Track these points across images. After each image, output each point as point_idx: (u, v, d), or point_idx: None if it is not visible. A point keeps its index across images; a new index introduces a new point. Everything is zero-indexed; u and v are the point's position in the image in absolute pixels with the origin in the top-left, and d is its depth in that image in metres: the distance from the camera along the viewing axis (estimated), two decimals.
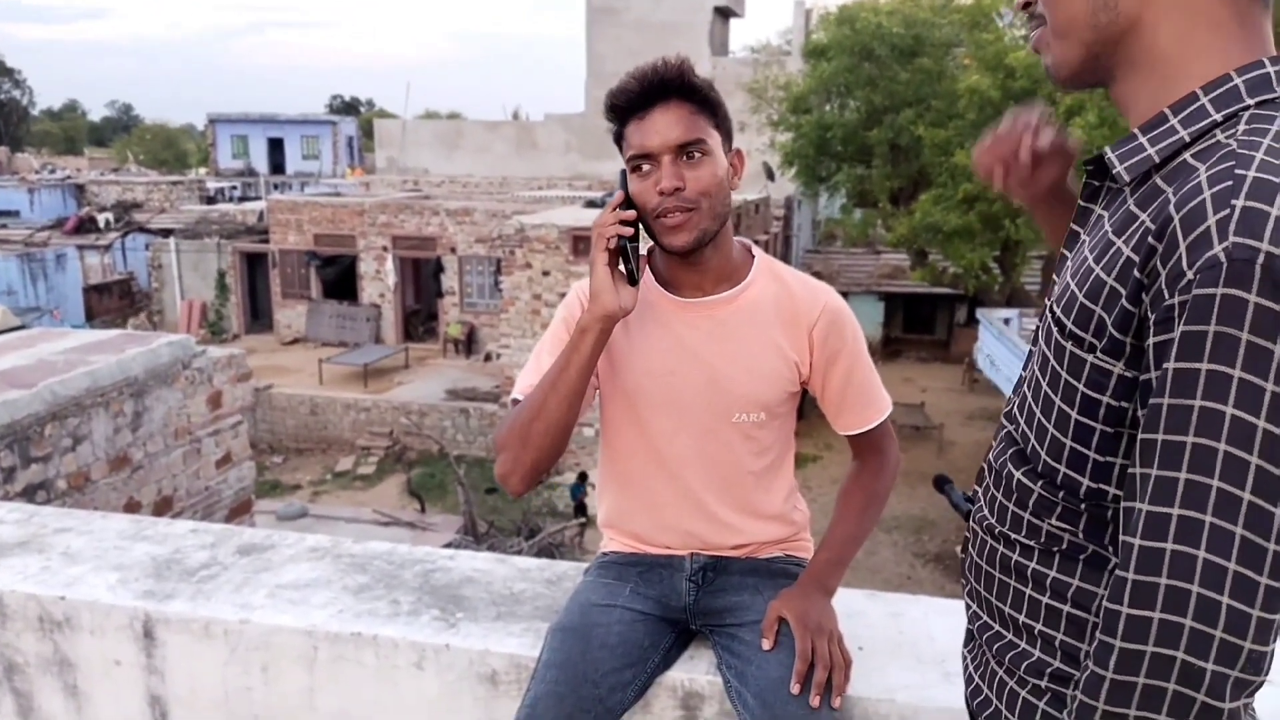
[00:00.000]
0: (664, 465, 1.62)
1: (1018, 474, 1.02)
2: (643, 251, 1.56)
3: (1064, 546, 0.98)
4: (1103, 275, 0.90)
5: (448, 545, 10.31)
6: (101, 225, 28.81)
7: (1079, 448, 0.94)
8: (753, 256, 1.65)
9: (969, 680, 1.14)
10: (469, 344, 21.87)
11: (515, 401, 1.57)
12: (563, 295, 1.69)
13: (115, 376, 4.07)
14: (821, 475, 15.10)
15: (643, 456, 1.63)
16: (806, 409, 1.75)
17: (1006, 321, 14.40)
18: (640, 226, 1.51)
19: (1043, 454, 0.98)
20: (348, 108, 74.11)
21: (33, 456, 3.65)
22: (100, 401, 3.98)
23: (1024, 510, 1.01)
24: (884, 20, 17.27)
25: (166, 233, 25.96)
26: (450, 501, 14.87)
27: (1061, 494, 0.97)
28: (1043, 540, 1.00)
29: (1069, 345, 0.93)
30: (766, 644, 1.48)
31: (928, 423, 18.42)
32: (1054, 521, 0.98)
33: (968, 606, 1.15)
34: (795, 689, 1.41)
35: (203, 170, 46.32)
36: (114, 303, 25.72)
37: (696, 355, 1.58)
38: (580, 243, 16.15)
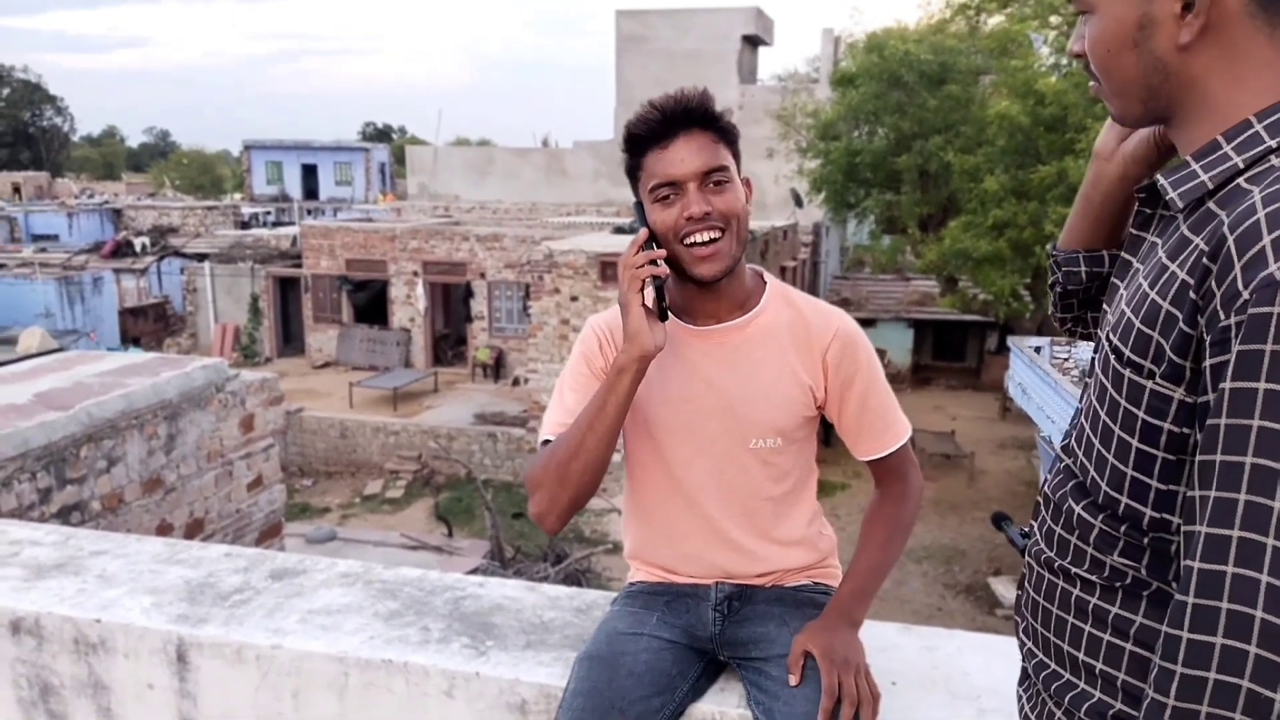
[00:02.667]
0: (683, 494, 1.62)
1: (1078, 508, 1.01)
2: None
3: (1127, 582, 0.96)
4: (1159, 300, 0.90)
5: (475, 570, 10.32)
6: (138, 249, 29.28)
7: (1141, 477, 0.93)
8: (765, 283, 1.65)
9: None
10: (497, 368, 21.96)
11: (546, 442, 1.57)
12: None
13: (150, 399, 4.12)
14: (850, 504, 14.98)
15: (663, 486, 1.63)
16: (834, 437, 1.73)
17: (1038, 349, 14.23)
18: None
19: (1103, 485, 0.97)
20: (380, 134, 75.05)
21: (68, 478, 3.70)
22: (135, 424, 4.03)
23: (1086, 545, 1.00)
24: (912, 48, 17.30)
25: (201, 257, 26.34)
26: (477, 526, 14.88)
27: (1124, 527, 0.96)
28: (1105, 576, 0.98)
29: (1128, 373, 0.93)
30: (793, 679, 1.46)
31: (958, 451, 18.25)
32: (1117, 557, 0.97)
33: (1022, 644, 1.13)
34: None
35: (238, 196, 47.03)
36: (149, 326, 26.07)
37: (711, 382, 1.58)
38: (609, 268, 16.21)
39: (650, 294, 1.50)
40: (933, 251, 17.13)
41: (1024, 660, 1.13)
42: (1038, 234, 15.27)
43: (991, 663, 1.73)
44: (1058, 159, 14.94)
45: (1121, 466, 0.95)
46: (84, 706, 1.97)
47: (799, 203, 23.38)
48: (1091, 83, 1.05)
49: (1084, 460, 1.01)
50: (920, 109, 17.27)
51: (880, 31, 19.19)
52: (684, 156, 1.49)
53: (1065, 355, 13.98)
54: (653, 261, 1.47)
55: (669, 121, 1.50)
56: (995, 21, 18.20)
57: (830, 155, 18.99)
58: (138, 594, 2.03)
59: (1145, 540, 0.95)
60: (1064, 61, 16.23)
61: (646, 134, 1.52)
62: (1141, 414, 0.92)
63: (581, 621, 1.89)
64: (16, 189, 48.05)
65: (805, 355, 1.60)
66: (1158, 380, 0.90)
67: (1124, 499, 0.95)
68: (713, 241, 1.50)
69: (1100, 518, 0.98)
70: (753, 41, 32.28)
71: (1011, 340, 15.37)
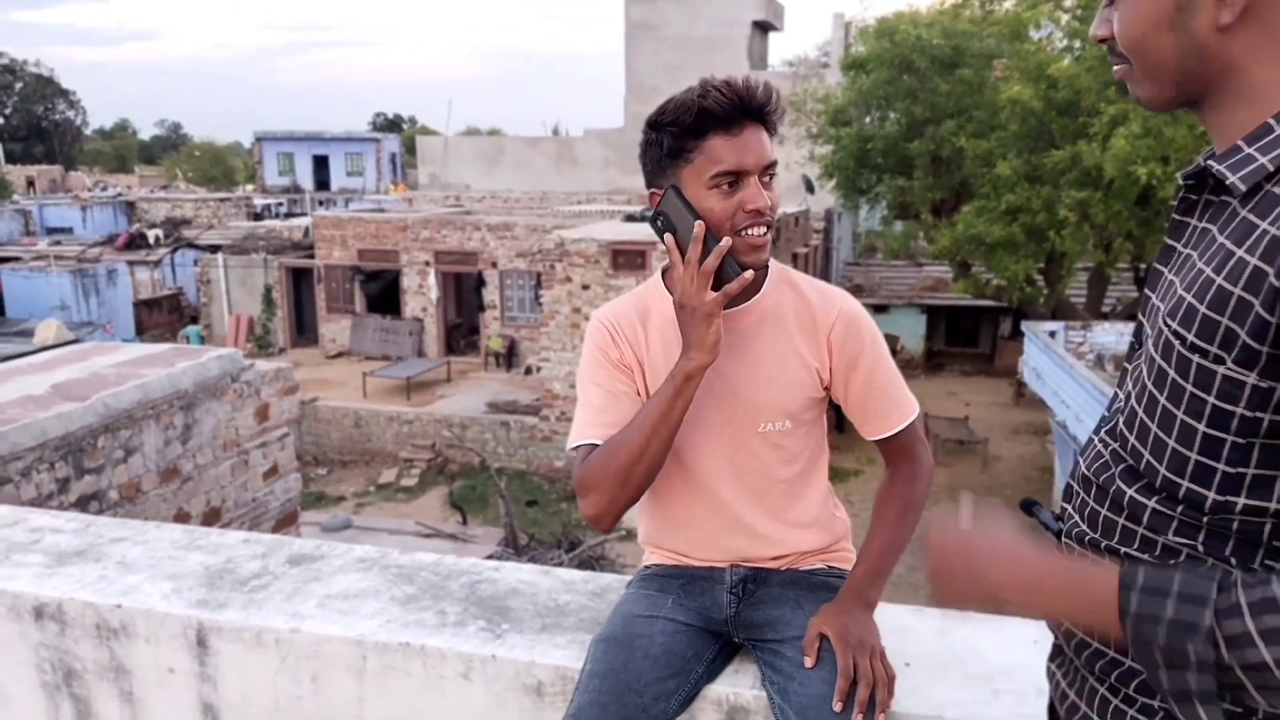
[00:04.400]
0: (696, 479, 1.62)
1: (1130, 491, 1.00)
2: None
3: (1180, 561, 0.96)
4: (1227, 286, 0.89)
5: (489, 557, 10.35)
6: (151, 241, 29.44)
7: (1206, 460, 0.93)
8: (766, 266, 1.65)
9: (1062, 696, 1.11)
10: (510, 357, 22.01)
11: (592, 446, 1.55)
12: None
13: (166, 390, 4.15)
14: (863, 490, 14.96)
15: (675, 472, 1.63)
16: (847, 423, 1.73)
17: (1052, 334, 14.19)
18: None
19: (1161, 469, 0.97)
20: (390, 125, 75.05)
21: (86, 468, 3.74)
22: (151, 414, 4.06)
23: (1137, 525, 0.99)
24: (923, 32, 17.18)
25: (214, 249, 26.46)
26: (491, 514, 14.94)
27: (1180, 508, 0.96)
28: (1157, 554, 0.97)
29: (1195, 358, 0.92)
30: (808, 661, 1.47)
31: (972, 437, 18.20)
32: (1171, 536, 0.97)
33: (1059, 624, 1.12)
34: (837, 707, 1.40)
35: (250, 187, 47.22)
36: (163, 317, 26.23)
37: (718, 368, 1.57)
38: (620, 256, 16.21)
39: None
40: (946, 237, 17.04)
41: (1061, 638, 1.12)
42: (1051, 219, 15.18)
43: (1006, 644, 1.73)
44: (1071, 143, 14.85)
45: (1184, 451, 0.94)
46: (106, 690, 2.00)
47: (810, 189, 23.30)
48: (1117, 66, 1.04)
49: (1136, 444, 1.00)
50: (932, 94, 17.16)
51: (891, 16, 19.06)
52: (754, 148, 1.47)
53: (1080, 340, 13.93)
54: (724, 260, 1.45)
55: (744, 109, 1.47)
56: (1008, 5, 18.06)
57: (841, 141, 18.90)
58: (158, 580, 2.05)
59: (1203, 520, 0.94)
60: (1076, 45, 16.11)
61: (721, 115, 1.47)
62: (1211, 399, 0.91)
63: (596, 605, 1.90)
64: (30, 182, 48.34)
65: (809, 337, 1.60)
66: (1229, 365, 0.89)
67: (1185, 482, 0.94)
68: (766, 234, 1.51)
69: (1154, 499, 0.97)
70: (763, 27, 32.14)
71: (1026, 325, 15.33)
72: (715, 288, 1.46)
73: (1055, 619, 1.09)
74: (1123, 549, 1.01)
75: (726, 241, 1.45)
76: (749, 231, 1.49)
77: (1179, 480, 0.95)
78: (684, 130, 1.48)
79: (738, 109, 1.47)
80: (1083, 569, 0.97)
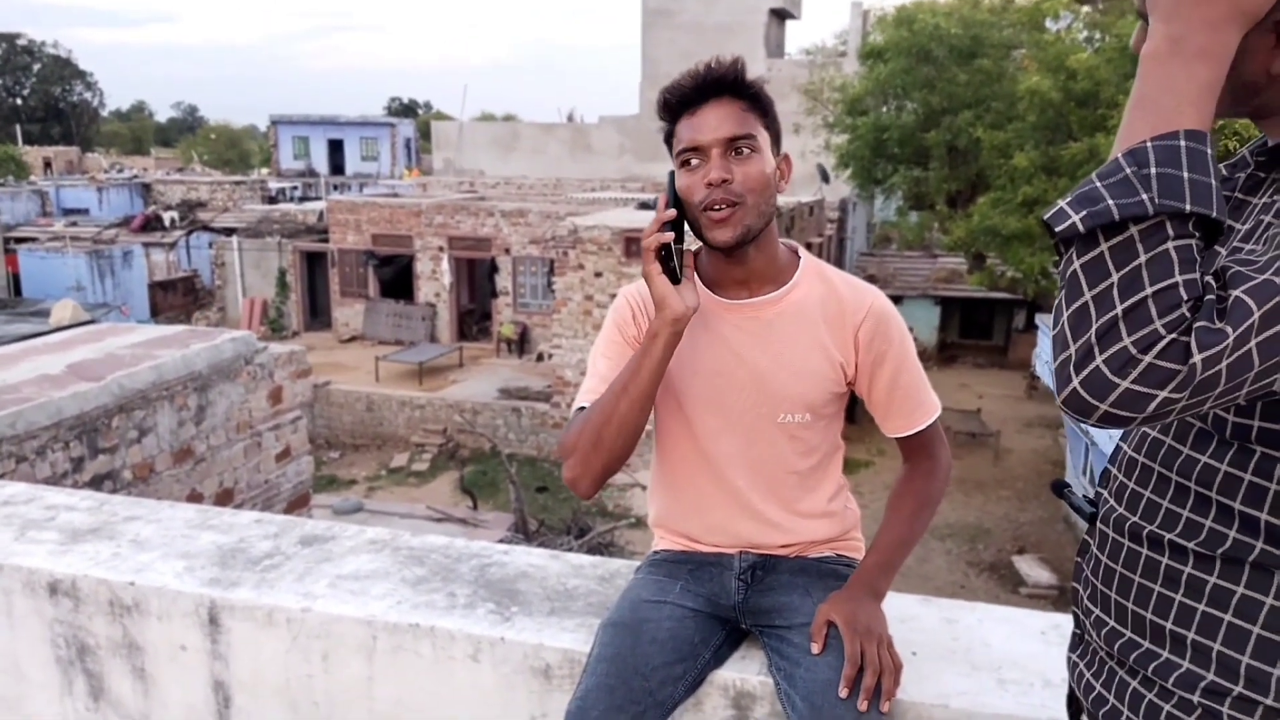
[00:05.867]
0: (710, 465, 1.63)
1: (1204, 456, 0.97)
2: (689, 247, 1.56)
3: (1227, 547, 0.94)
4: None
5: (499, 542, 10.38)
6: (167, 224, 29.56)
7: (1272, 425, 0.91)
8: (799, 258, 1.65)
9: (1086, 688, 1.09)
10: (522, 344, 22.03)
11: (581, 409, 1.58)
12: (614, 297, 1.71)
13: (180, 371, 4.18)
14: (874, 481, 14.95)
15: (690, 456, 1.65)
16: (857, 414, 1.74)
17: None
18: (683, 225, 1.52)
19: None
20: (406, 110, 74.99)
21: (100, 447, 3.77)
22: (165, 395, 4.09)
23: (1181, 508, 0.98)
24: (942, 21, 17.08)
25: (229, 231, 26.54)
26: (502, 499, 14.99)
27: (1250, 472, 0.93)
28: (1201, 540, 0.96)
29: None
30: (816, 648, 1.47)
31: (984, 429, 18.15)
32: (1213, 522, 0.95)
33: (1088, 612, 1.10)
34: (844, 693, 1.40)
35: (265, 171, 47.31)
36: (178, 299, 26.36)
37: (741, 357, 1.59)
38: (633, 244, 16.18)
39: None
40: (961, 228, 16.98)
41: (1089, 629, 1.09)
42: None
43: (1012, 634, 1.74)
44: (1089, 135, 14.74)
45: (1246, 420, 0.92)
46: (119, 667, 2.02)
47: (825, 178, 23.22)
48: None
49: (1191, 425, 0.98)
50: (950, 84, 17.07)
51: (910, 4, 18.93)
52: (711, 123, 1.49)
53: None
54: (664, 226, 1.48)
55: (701, 88, 1.51)
56: None
57: (858, 130, 18.83)
58: (171, 558, 2.07)
59: (1273, 486, 0.92)
60: (1096, 36, 15.99)
61: (678, 100, 1.53)
62: None
63: (605, 589, 1.91)
64: (47, 164, 48.59)
65: (837, 331, 1.60)
66: None
67: (1258, 447, 0.92)
68: (728, 208, 1.50)
69: (1225, 463, 0.95)
70: (780, 15, 31.99)
71: (1040, 318, 15.28)
72: (664, 257, 1.49)
73: None
74: (1166, 534, 0.99)
75: (670, 213, 1.48)
76: (709, 207, 1.51)
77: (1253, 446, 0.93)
78: (663, 118, 1.57)
79: (694, 89, 1.51)
80: None
